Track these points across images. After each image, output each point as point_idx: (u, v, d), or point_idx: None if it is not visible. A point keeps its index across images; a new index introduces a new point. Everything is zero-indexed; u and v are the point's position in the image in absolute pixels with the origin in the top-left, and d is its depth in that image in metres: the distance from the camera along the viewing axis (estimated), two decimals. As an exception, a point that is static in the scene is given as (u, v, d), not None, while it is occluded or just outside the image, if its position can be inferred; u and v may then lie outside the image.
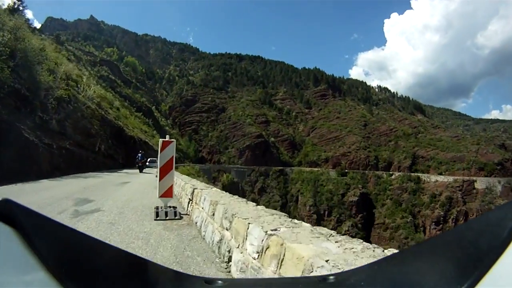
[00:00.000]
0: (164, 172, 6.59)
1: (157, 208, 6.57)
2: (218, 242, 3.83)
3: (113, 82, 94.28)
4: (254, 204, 3.96)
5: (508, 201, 0.58)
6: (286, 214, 3.17)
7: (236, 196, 4.75)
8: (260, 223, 2.66)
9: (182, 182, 9.25)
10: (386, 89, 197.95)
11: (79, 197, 8.88)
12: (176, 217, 6.18)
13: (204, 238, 4.63)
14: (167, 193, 6.65)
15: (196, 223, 5.53)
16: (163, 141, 6.65)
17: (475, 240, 0.55)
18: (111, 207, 7.48)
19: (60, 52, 45.75)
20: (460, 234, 0.61)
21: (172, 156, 6.67)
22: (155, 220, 6.06)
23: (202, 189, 6.20)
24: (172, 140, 6.82)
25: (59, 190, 10.21)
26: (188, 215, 6.57)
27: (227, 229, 3.47)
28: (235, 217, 3.19)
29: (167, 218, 6.13)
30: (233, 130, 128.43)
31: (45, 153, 16.67)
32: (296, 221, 2.77)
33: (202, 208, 5.06)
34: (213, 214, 4.14)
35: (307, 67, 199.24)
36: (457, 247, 0.59)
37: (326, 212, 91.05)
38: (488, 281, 0.49)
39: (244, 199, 4.41)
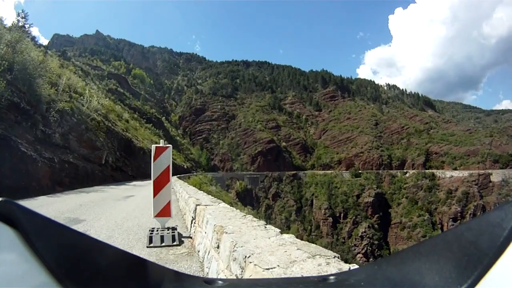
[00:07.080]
0: (159, 185, 5.18)
1: (151, 230, 5.26)
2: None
3: (121, 95, 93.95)
4: (277, 231, 2.63)
5: (508, 201, 0.58)
6: (337, 255, 1.87)
7: (251, 217, 3.40)
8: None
9: (186, 195, 7.94)
10: (395, 86, 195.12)
11: (69, 216, 7.72)
12: (175, 243, 4.86)
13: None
14: (164, 212, 5.26)
15: (198, 251, 4.20)
16: (156, 147, 5.26)
17: (475, 240, 0.55)
18: (101, 228, 6.24)
19: (67, 67, 45.42)
20: (460, 234, 0.60)
21: (169, 166, 5.26)
22: (147, 247, 4.79)
23: (206, 206, 4.80)
24: (167, 145, 5.38)
25: (51, 208, 9.06)
26: (191, 238, 5.22)
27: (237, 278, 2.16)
28: (250, 262, 1.90)
29: (163, 244, 4.82)
30: (244, 137, 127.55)
31: (45, 168, 15.68)
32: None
33: (205, 233, 3.73)
34: (218, 247, 2.83)
35: (314, 70, 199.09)
36: (457, 247, 0.58)
37: (342, 215, 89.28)
38: (488, 281, 0.49)
39: (262, 222, 3.07)
